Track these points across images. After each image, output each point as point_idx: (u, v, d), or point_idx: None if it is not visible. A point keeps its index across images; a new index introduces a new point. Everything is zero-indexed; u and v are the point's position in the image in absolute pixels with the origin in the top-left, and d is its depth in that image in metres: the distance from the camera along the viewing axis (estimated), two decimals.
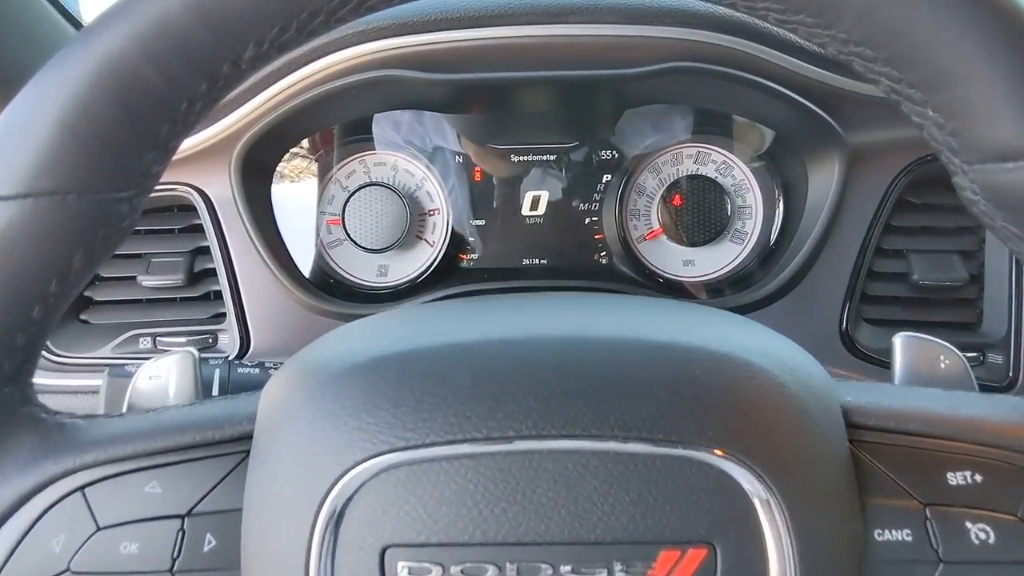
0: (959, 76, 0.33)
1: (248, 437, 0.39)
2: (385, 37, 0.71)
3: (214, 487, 0.38)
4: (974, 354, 0.78)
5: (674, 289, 0.92)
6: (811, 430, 0.36)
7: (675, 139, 0.91)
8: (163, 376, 0.46)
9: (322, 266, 0.92)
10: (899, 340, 0.48)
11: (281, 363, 0.74)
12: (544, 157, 0.94)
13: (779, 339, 0.43)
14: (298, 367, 0.41)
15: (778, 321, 0.84)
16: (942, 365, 0.46)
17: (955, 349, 0.46)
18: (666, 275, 0.93)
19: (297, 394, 0.38)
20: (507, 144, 0.94)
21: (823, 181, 0.81)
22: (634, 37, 0.70)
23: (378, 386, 0.36)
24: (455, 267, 0.95)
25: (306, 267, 0.90)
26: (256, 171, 0.82)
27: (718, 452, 0.34)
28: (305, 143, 0.90)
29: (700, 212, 0.90)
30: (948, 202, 0.82)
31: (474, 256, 0.96)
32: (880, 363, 0.80)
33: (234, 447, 0.39)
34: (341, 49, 0.72)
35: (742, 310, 0.84)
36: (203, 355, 0.84)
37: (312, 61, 0.73)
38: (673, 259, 0.93)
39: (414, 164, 0.93)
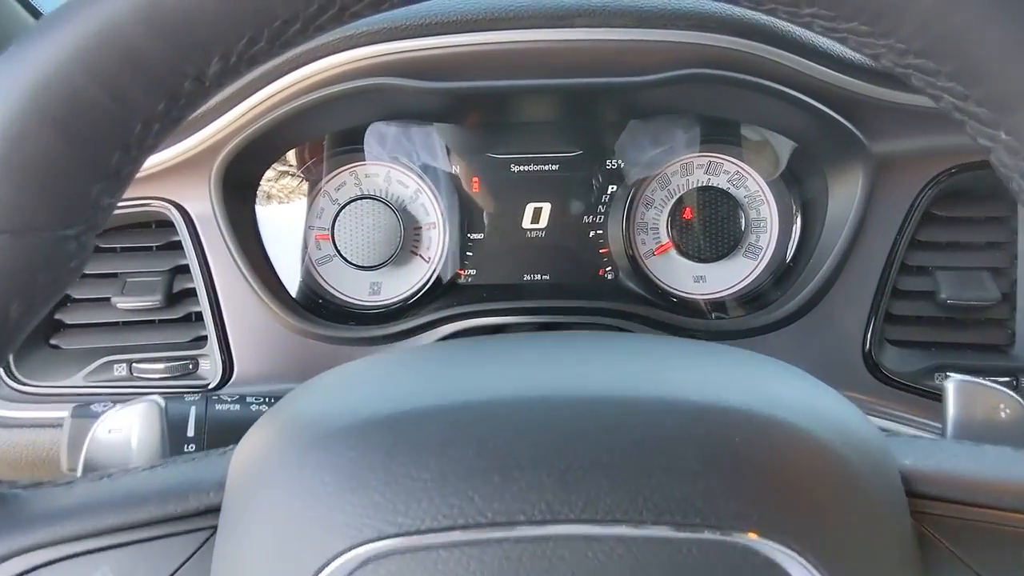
0: None
1: (215, 510, 0.34)
2: (376, 42, 0.66)
3: (174, 573, 0.33)
4: (1006, 379, 0.73)
5: (684, 307, 0.87)
6: (869, 505, 0.31)
7: (684, 148, 0.86)
8: (124, 429, 0.41)
9: (311, 285, 0.86)
10: (952, 385, 0.42)
11: (264, 397, 0.69)
12: (546, 167, 0.89)
13: (824, 391, 0.38)
14: (275, 425, 0.36)
15: (796, 343, 0.79)
16: (1002, 414, 0.41)
17: (1015, 395, 0.41)
18: (676, 292, 0.88)
19: (272, 460, 0.33)
20: (507, 153, 0.89)
21: (845, 194, 0.76)
22: (645, 42, 0.65)
23: (365, 456, 0.31)
24: (452, 284, 0.90)
25: (293, 286, 0.85)
26: (238, 185, 0.77)
27: (763, 537, 0.29)
28: (292, 154, 0.85)
29: (712, 226, 0.85)
30: (977, 215, 0.77)
31: (472, 272, 0.91)
32: (905, 387, 0.75)
33: (199, 523, 0.34)
34: (328, 55, 0.66)
35: (758, 332, 0.79)
36: (180, 385, 0.79)
37: (297, 68, 0.67)
38: (683, 275, 0.88)
39: (408, 175, 0.88)
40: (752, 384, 0.36)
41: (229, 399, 0.61)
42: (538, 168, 0.89)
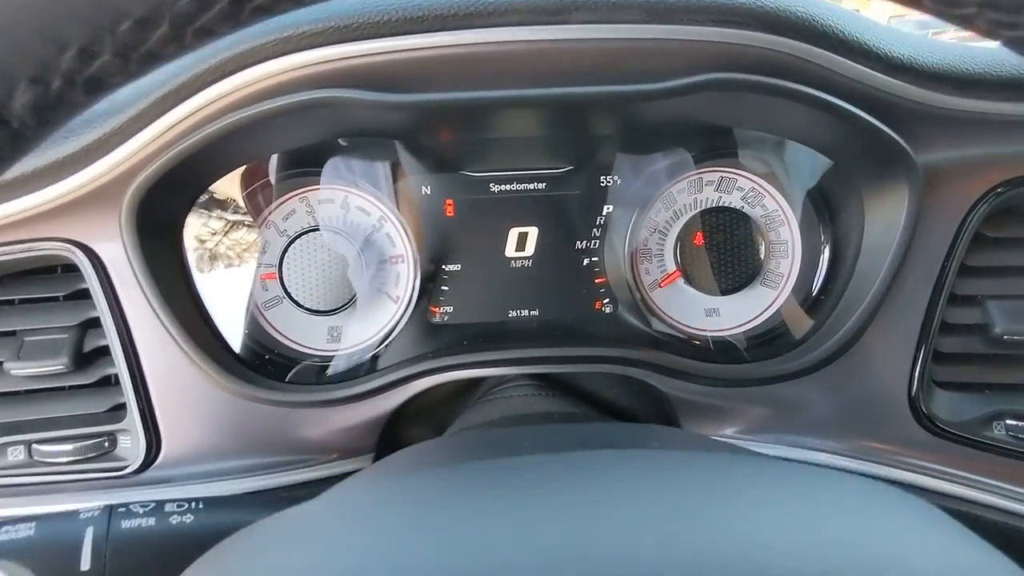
0: None
1: None
2: (321, 44, 0.52)
3: None
4: None
5: (695, 347, 0.75)
6: None
7: (692, 163, 0.74)
8: None
9: (256, 335, 0.72)
10: None
11: (190, 503, 0.55)
12: (531, 186, 0.76)
13: (977, 547, 0.26)
14: None
15: (832, 389, 0.68)
16: None
17: None
18: (685, 328, 0.76)
19: None
20: (485, 171, 0.76)
21: (885, 213, 0.65)
22: (657, 41, 0.53)
23: None
24: (426, 325, 0.77)
25: (236, 338, 0.71)
26: (158, 220, 0.63)
27: None
28: (230, 179, 0.70)
29: (726, 252, 0.73)
30: None
31: (449, 310, 0.78)
32: (960, 439, 0.65)
33: None
34: (260, 62, 0.52)
35: (789, 377, 0.68)
36: (93, 469, 0.64)
37: (222, 78, 0.53)
38: (693, 309, 0.76)
39: (369, 201, 0.74)
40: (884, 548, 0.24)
41: (141, 509, 0.47)
42: (522, 187, 0.76)
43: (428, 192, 0.76)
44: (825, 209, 0.72)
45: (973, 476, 0.64)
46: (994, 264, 0.67)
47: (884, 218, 0.65)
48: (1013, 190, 0.64)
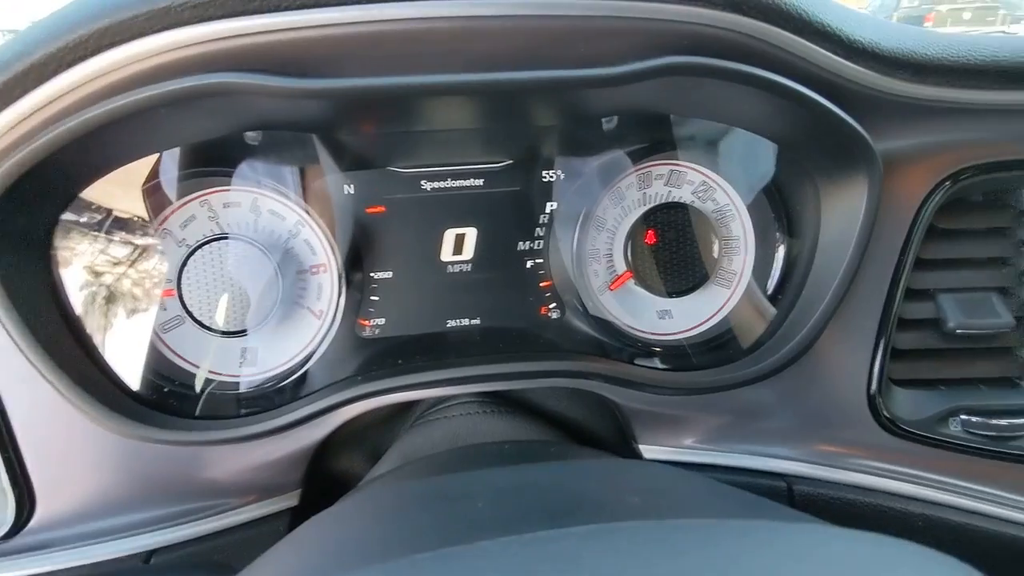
0: None
1: None
2: (208, 19, 0.43)
3: None
4: (1022, 420, 0.63)
5: (649, 352, 0.71)
6: None
7: (641, 155, 0.69)
8: None
9: (153, 363, 0.62)
10: None
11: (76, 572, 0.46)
12: (467, 183, 0.69)
13: None
14: None
15: (791, 392, 0.65)
16: None
17: None
18: (637, 333, 0.71)
19: None
20: (415, 166, 0.68)
21: (841, 206, 0.62)
22: (610, 19, 0.47)
23: None
24: (355, 340, 0.69)
25: (128, 368, 0.60)
26: (13, 234, 0.51)
27: None
28: (114, 178, 0.59)
29: (679, 250, 0.69)
30: (978, 226, 0.66)
31: (380, 322, 0.70)
32: (917, 438, 0.63)
33: None
34: (132, 39, 0.43)
35: (747, 382, 0.64)
36: None
37: (80, 60, 0.43)
38: (645, 311, 0.71)
39: (284, 204, 0.65)
40: None
41: None
42: (457, 184, 0.69)
43: (351, 192, 0.67)
44: (780, 203, 0.68)
45: (931, 475, 0.62)
46: (946, 256, 0.65)
47: (841, 211, 0.62)
48: (966, 179, 0.62)
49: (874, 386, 0.63)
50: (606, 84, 0.47)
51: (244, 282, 0.62)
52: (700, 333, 0.72)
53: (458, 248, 0.70)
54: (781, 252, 0.69)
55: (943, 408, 0.63)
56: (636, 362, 0.69)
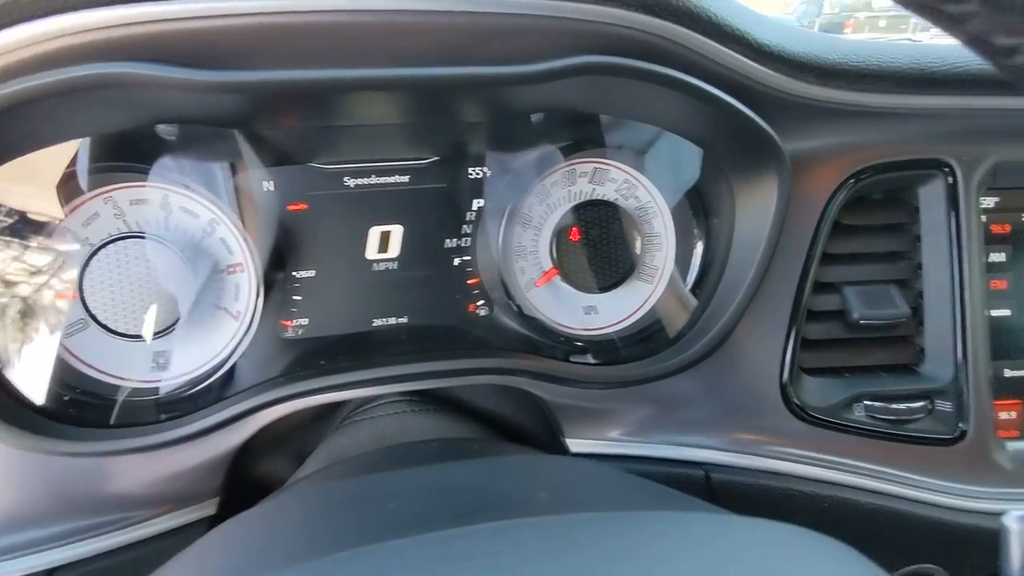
0: None
1: None
2: (103, 3, 0.40)
3: None
4: (922, 403, 0.67)
5: (576, 347, 0.72)
6: None
7: (565, 153, 0.70)
8: None
9: (57, 371, 0.58)
10: (1017, 525, 0.30)
11: None
12: (392, 179, 0.69)
13: None
14: None
15: (711, 383, 0.67)
16: None
17: None
18: (564, 329, 0.72)
19: None
20: (338, 163, 0.67)
21: (754, 204, 0.64)
22: (527, 17, 0.47)
23: None
24: (277, 341, 0.67)
25: (25, 377, 0.56)
26: None
27: None
28: (12, 170, 0.55)
29: (603, 247, 0.70)
30: (877, 223, 0.70)
31: (303, 322, 0.68)
32: (824, 424, 0.66)
33: None
34: (15, 23, 0.40)
35: (667, 374, 0.66)
36: None
37: None
38: (571, 307, 0.72)
39: (196, 200, 0.62)
40: None
41: None
42: (382, 181, 0.68)
43: (271, 188, 0.65)
44: (698, 201, 0.71)
45: (838, 459, 0.66)
46: (850, 251, 0.69)
47: (754, 209, 0.64)
48: (867, 179, 0.66)
49: (786, 375, 0.66)
50: (520, 82, 0.48)
51: (153, 283, 0.59)
52: (625, 327, 0.73)
53: (383, 246, 0.69)
54: (700, 248, 0.71)
55: (848, 395, 0.67)
56: (562, 357, 0.70)
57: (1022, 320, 0.71)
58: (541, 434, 0.70)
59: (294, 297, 0.67)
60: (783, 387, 0.66)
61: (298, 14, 0.45)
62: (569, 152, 0.71)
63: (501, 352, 0.69)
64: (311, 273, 0.68)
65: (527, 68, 0.47)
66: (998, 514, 0.66)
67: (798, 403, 0.66)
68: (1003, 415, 0.70)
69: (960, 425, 0.67)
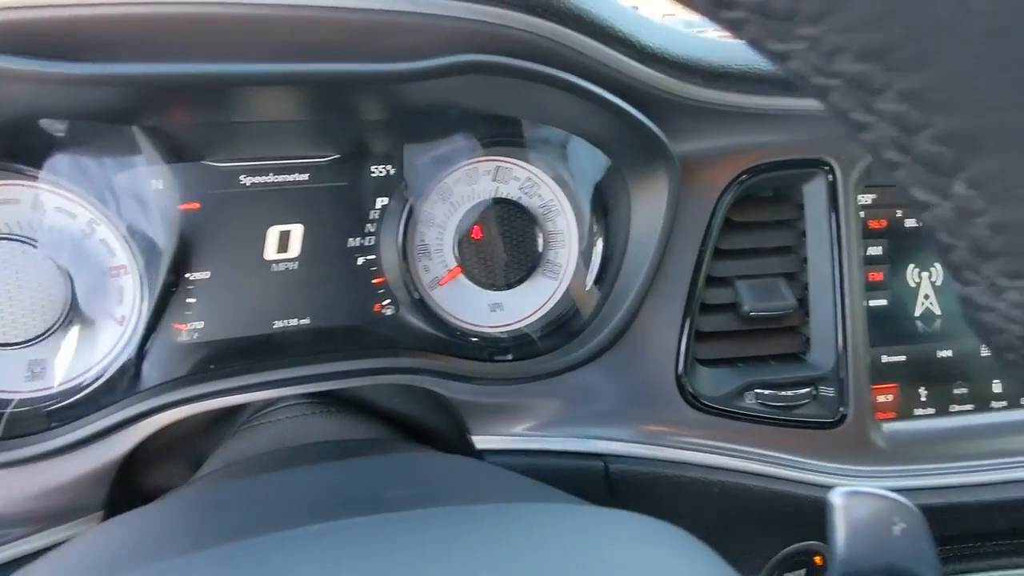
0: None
1: None
2: None
3: None
4: (807, 389, 0.71)
5: (482, 344, 0.72)
6: None
7: (469, 151, 0.70)
8: None
9: None
10: (839, 500, 0.33)
11: None
12: (291, 178, 0.67)
13: None
14: None
15: (611, 375, 0.69)
16: (896, 530, 0.32)
17: (909, 504, 0.33)
18: (469, 326, 0.73)
19: None
20: (234, 160, 0.65)
21: (648, 202, 0.66)
22: (410, 15, 0.47)
23: None
24: (172, 346, 0.64)
25: None
26: None
27: None
28: None
29: (506, 245, 0.71)
30: (767, 219, 0.73)
31: (199, 325, 0.66)
32: (718, 412, 0.69)
33: None
34: None
35: (569, 369, 0.67)
36: None
37: None
38: (477, 305, 0.73)
39: (74, 201, 0.59)
40: None
41: None
42: (281, 179, 0.67)
43: (160, 188, 0.63)
44: (597, 199, 0.72)
45: (730, 445, 0.69)
46: (741, 246, 0.72)
47: (648, 207, 0.66)
48: (753, 178, 0.69)
49: (681, 366, 0.69)
50: (398, 80, 0.48)
51: (23, 287, 0.56)
52: (532, 324, 0.74)
53: (283, 246, 0.68)
54: (600, 244, 0.73)
55: (740, 383, 0.70)
56: (470, 355, 0.71)
57: (897, 309, 0.76)
58: (448, 432, 0.70)
59: (188, 300, 0.65)
60: (679, 378, 0.69)
61: (162, 5, 0.44)
62: (472, 151, 0.71)
63: (406, 352, 0.69)
64: (206, 275, 0.66)
65: (405, 66, 0.47)
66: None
67: (692, 393, 0.69)
68: (881, 398, 0.75)
69: (841, 409, 0.71)
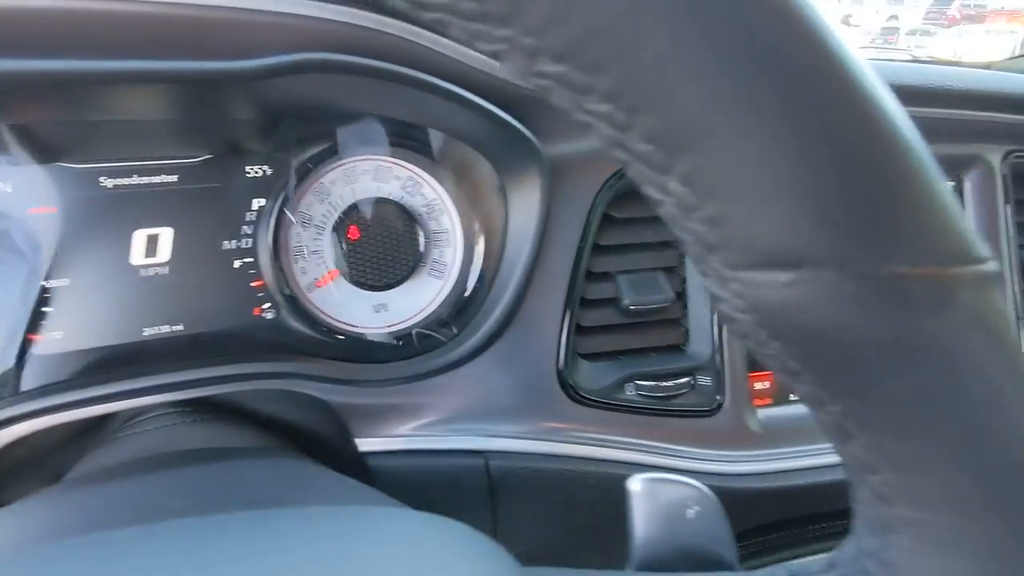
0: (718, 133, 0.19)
1: None
2: None
3: None
4: (686, 379, 0.74)
5: (366, 347, 0.72)
6: None
7: (349, 148, 0.70)
8: None
9: None
10: (636, 487, 0.34)
11: None
12: (158, 179, 0.65)
13: None
14: None
15: (494, 372, 0.70)
16: (690, 514, 0.33)
17: (703, 488, 0.34)
18: (352, 328, 0.72)
19: None
20: (93, 162, 0.62)
21: (524, 202, 0.67)
22: (253, 12, 0.46)
23: None
24: (23, 358, 0.61)
25: None
26: None
27: None
28: None
29: (386, 245, 0.70)
30: (648, 215, 0.75)
31: (57, 336, 0.63)
32: (597, 404, 0.71)
33: None
34: None
35: (451, 367, 0.68)
36: None
37: None
38: (360, 306, 0.72)
39: None
40: None
41: None
42: (146, 181, 0.65)
43: (8, 190, 0.60)
44: (476, 198, 0.73)
45: (610, 437, 0.71)
46: (621, 242, 0.74)
47: (524, 205, 0.67)
48: (625, 177, 0.71)
49: (562, 361, 0.70)
50: (237, 79, 0.47)
51: None
52: (417, 323, 0.74)
53: (151, 250, 0.66)
54: (482, 244, 0.73)
55: (621, 376, 0.72)
56: (355, 357, 0.70)
57: None
58: (331, 436, 0.69)
59: (43, 308, 0.62)
60: (559, 372, 0.70)
61: None
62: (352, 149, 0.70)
63: (286, 356, 0.68)
64: (64, 282, 0.63)
65: (246, 63, 0.46)
66: (750, 475, 0.74)
67: (573, 386, 0.70)
68: (758, 385, 0.78)
69: (718, 397, 0.74)
